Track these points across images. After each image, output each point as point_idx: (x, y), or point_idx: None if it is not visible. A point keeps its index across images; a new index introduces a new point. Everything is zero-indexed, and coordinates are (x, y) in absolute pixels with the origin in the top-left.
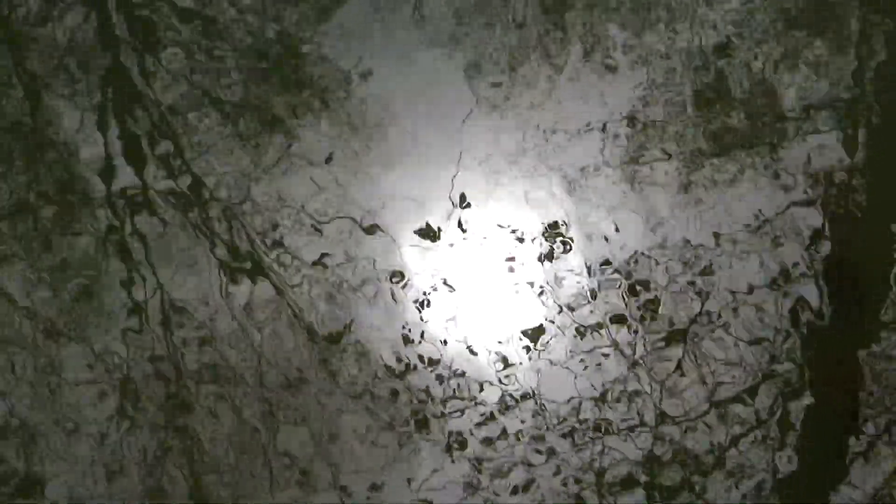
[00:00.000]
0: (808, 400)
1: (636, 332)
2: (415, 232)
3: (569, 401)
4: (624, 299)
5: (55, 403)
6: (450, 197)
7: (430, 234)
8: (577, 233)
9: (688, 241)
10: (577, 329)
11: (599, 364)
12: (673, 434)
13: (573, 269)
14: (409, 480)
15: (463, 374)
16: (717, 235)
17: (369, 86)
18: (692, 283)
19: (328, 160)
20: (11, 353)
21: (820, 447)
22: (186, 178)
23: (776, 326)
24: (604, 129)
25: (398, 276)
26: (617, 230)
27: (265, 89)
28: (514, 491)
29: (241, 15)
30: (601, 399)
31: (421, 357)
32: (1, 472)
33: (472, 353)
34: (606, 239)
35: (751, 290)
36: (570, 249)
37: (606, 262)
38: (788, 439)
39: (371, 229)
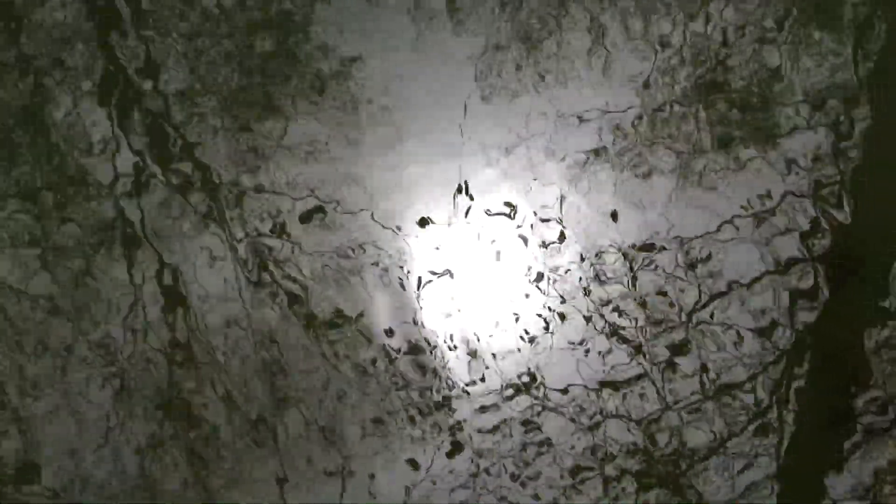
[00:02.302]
0: (807, 386)
1: (638, 319)
2: (416, 218)
3: (569, 388)
4: (625, 286)
5: (55, 389)
6: (452, 184)
7: (431, 220)
8: (579, 220)
9: (689, 230)
10: (577, 316)
11: (600, 351)
12: (674, 421)
13: (574, 256)
14: (409, 466)
15: (464, 360)
16: (719, 225)
17: (370, 73)
18: (694, 272)
19: (327, 145)
20: (11, 337)
21: (818, 434)
22: (187, 163)
23: (777, 314)
24: (607, 117)
25: (399, 262)
26: (616, 219)
27: (266, 76)
28: (514, 477)
29: (241, 2)
30: (602, 386)
31: (421, 343)
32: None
33: (475, 339)
34: (607, 226)
35: (753, 278)
36: (572, 237)
37: (608, 250)
38: (788, 426)
39: (372, 215)
